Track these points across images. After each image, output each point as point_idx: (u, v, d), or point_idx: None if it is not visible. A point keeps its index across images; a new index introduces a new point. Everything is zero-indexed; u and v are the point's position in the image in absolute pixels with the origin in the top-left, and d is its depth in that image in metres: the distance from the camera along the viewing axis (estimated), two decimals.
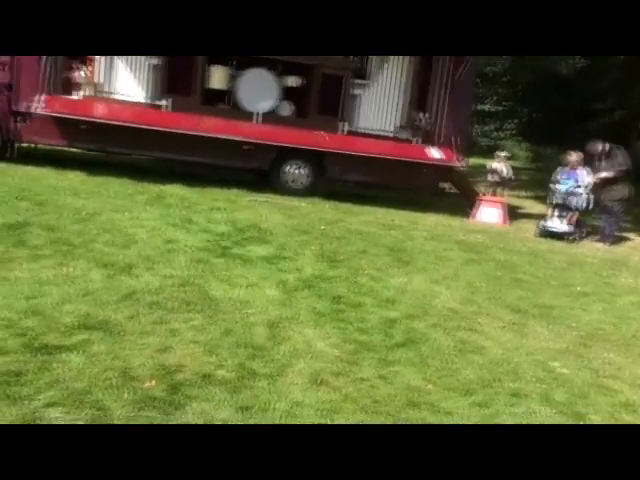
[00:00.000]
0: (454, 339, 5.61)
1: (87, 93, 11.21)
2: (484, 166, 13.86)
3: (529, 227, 12.01)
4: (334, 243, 8.30)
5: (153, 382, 4.08)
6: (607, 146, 11.65)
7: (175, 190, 10.25)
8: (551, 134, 23.31)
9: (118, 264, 6.08)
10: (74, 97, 11.06)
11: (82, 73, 11.14)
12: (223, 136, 11.23)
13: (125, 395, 3.87)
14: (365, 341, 5.29)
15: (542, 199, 13.76)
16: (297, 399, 4.15)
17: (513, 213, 13.02)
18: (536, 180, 17.70)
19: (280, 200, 10.88)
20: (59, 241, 6.53)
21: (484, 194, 12.69)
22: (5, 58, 10.60)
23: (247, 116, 11.74)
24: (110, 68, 11.34)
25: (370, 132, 12.29)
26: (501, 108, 26.27)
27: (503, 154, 13.20)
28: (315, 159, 11.98)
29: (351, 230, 9.27)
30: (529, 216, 13.27)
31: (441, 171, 12.42)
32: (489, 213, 12.13)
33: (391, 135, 12.42)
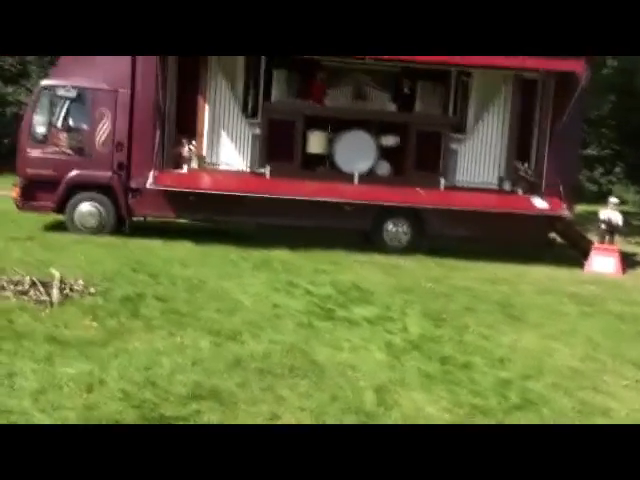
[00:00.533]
0: (576, 400, 5.28)
1: (193, 166, 11.72)
2: (592, 213, 13.31)
3: None
4: (440, 301, 8.14)
5: None
6: None
7: (279, 255, 10.44)
8: None
9: (225, 331, 6.19)
10: (181, 171, 11.59)
11: (189, 147, 11.67)
12: (323, 199, 11.40)
13: None
14: (479, 404, 5.07)
15: None
16: None
17: (628, 261, 12.34)
18: None
19: (383, 259, 10.83)
20: (170, 311, 6.74)
21: (599, 243, 12.10)
22: (122, 139, 11.31)
23: (346, 177, 11.88)
24: (214, 141, 11.85)
25: (471, 185, 12.12)
26: (608, 152, 25.33)
27: (614, 201, 12.61)
28: (415, 216, 11.91)
29: (456, 287, 9.07)
30: None
31: (548, 221, 12.02)
32: (603, 262, 11.54)
33: (493, 187, 12.19)
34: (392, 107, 12.40)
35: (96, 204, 11.37)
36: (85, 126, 11.37)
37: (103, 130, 11.35)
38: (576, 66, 11.35)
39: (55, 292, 6.57)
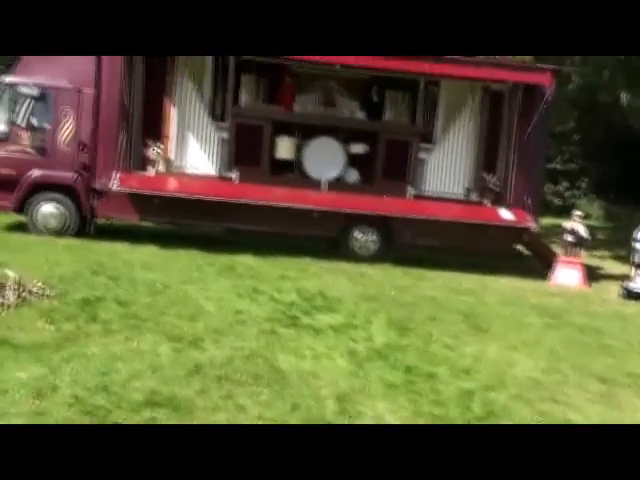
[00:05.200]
0: (537, 412, 5.26)
1: (160, 169, 11.54)
2: (557, 226, 13.44)
3: (612, 289, 11.45)
4: (405, 310, 8.10)
5: None
6: None
7: (245, 260, 10.32)
8: (627, 191, 22.61)
9: (186, 337, 6.05)
10: (147, 173, 11.40)
11: (155, 150, 11.48)
12: (291, 205, 11.31)
13: None
14: (441, 415, 5.02)
15: (623, 259, 13.19)
16: None
17: (592, 274, 12.45)
18: (614, 239, 17.01)
19: (349, 267, 10.77)
20: (130, 315, 6.58)
21: (562, 255, 12.20)
22: (86, 139, 11.09)
23: (314, 184, 11.82)
24: (182, 144, 11.70)
25: (439, 195, 12.15)
26: (572, 166, 25.72)
27: (579, 213, 12.75)
28: (383, 224, 11.88)
29: (422, 296, 9.05)
30: (610, 277, 12.65)
31: (513, 233, 12.09)
32: (567, 275, 11.62)
33: (460, 198, 12.24)
34: (361, 115, 12.39)
35: (58, 205, 11.10)
36: (48, 125, 11.12)
37: (66, 129, 11.12)
38: (543, 79, 11.48)
39: (10, 294, 6.36)
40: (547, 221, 16.11)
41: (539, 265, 12.46)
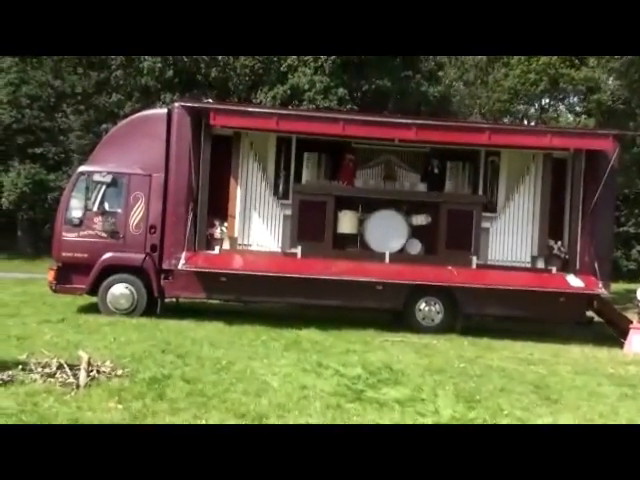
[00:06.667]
0: None
1: (225, 247, 11.84)
2: (631, 291, 12.97)
3: None
4: (473, 382, 7.90)
5: None
6: None
7: (310, 334, 10.35)
8: None
9: (251, 414, 6.06)
10: (213, 252, 11.71)
11: (221, 229, 11.82)
12: (355, 278, 11.37)
13: None
14: None
15: None
16: None
17: None
18: None
19: (415, 339, 10.66)
20: (196, 393, 6.66)
21: (638, 322, 11.72)
22: (155, 222, 11.54)
23: (377, 257, 11.88)
24: (246, 222, 11.99)
25: (503, 264, 11.99)
26: None
27: None
28: (448, 295, 11.77)
29: (491, 367, 8.83)
30: None
31: (582, 300, 11.75)
32: None
33: (526, 265, 12.04)
34: (422, 187, 12.48)
35: (129, 286, 11.50)
36: (119, 210, 11.66)
37: (137, 213, 11.61)
38: (605, 144, 11.38)
39: (82, 374, 6.55)
40: (620, 286, 15.62)
41: (612, 332, 12.00)
